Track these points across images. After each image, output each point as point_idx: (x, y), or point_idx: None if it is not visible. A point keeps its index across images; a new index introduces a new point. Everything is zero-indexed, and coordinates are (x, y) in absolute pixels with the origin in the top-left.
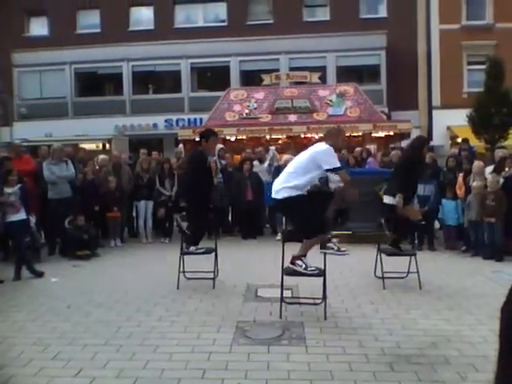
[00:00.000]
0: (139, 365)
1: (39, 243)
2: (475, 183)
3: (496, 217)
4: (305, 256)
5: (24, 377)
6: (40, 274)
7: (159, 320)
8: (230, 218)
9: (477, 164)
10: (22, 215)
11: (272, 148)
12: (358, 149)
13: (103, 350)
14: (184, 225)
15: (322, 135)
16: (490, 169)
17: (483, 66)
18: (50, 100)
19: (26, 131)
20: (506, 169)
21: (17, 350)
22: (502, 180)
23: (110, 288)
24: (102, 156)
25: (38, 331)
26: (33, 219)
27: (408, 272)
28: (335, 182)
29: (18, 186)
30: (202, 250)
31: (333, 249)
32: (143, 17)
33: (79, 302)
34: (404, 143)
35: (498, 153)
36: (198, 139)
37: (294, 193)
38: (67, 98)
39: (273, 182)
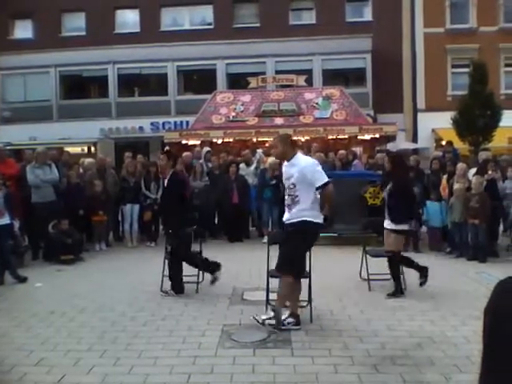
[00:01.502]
0: (124, 370)
1: (22, 248)
2: (457, 185)
3: (480, 218)
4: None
5: (7, 383)
6: (23, 279)
7: (144, 325)
8: (216, 221)
9: (460, 166)
10: (5, 220)
11: (259, 151)
12: (343, 151)
13: (87, 356)
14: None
15: (308, 138)
16: (473, 171)
17: (467, 70)
18: (35, 103)
19: (10, 135)
20: (490, 171)
21: (0, 356)
22: (484, 182)
23: (94, 293)
24: (87, 159)
25: (21, 337)
26: (16, 223)
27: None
28: None
29: (3, 190)
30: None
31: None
32: (129, 19)
33: (63, 307)
34: (390, 146)
35: (482, 155)
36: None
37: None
38: (52, 101)
39: (258, 184)
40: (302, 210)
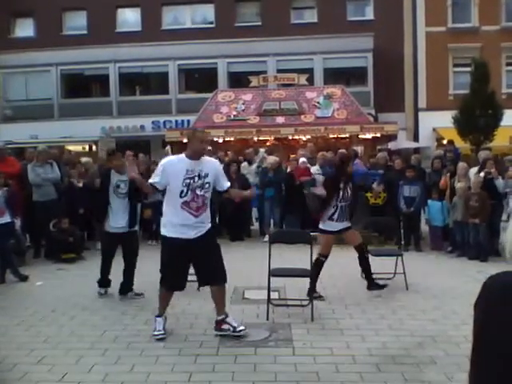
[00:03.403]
0: (125, 368)
1: (24, 246)
2: (459, 184)
3: (480, 217)
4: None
5: (8, 381)
6: (24, 278)
7: (145, 323)
8: (217, 220)
9: (461, 165)
10: (6, 218)
11: (262, 150)
12: (344, 150)
13: (88, 354)
14: None
15: (309, 137)
16: (474, 170)
17: (469, 69)
18: (36, 102)
19: (12, 133)
20: (492, 170)
21: (1, 355)
22: (482, 174)
23: (95, 291)
24: (84, 158)
25: (22, 335)
26: (18, 222)
27: (395, 273)
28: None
29: (4, 189)
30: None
31: (229, 330)
32: (130, 18)
33: (64, 305)
34: (391, 145)
35: (482, 154)
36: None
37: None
38: (53, 99)
39: (259, 183)
40: (208, 214)
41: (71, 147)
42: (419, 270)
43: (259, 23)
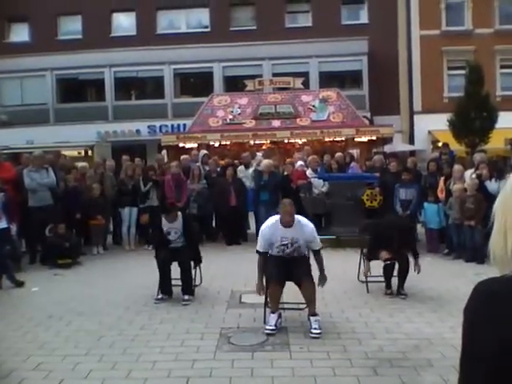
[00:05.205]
0: (121, 374)
1: (20, 252)
2: (455, 186)
3: (476, 219)
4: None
5: None
6: (20, 284)
7: (142, 328)
8: (213, 224)
9: (457, 168)
10: (2, 224)
11: (259, 154)
12: (340, 153)
13: (85, 360)
14: None
15: (305, 140)
16: (469, 172)
17: (463, 71)
18: (32, 107)
19: (7, 138)
20: (484, 171)
21: None
22: (474, 176)
23: (91, 297)
24: (81, 164)
25: (18, 341)
26: (13, 228)
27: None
28: (318, 187)
29: (1, 194)
30: None
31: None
32: (125, 22)
33: (60, 311)
34: (387, 148)
35: (477, 157)
36: None
37: None
38: (49, 104)
39: (255, 186)
40: None
41: (67, 152)
42: (415, 273)
43: (254, 27)
